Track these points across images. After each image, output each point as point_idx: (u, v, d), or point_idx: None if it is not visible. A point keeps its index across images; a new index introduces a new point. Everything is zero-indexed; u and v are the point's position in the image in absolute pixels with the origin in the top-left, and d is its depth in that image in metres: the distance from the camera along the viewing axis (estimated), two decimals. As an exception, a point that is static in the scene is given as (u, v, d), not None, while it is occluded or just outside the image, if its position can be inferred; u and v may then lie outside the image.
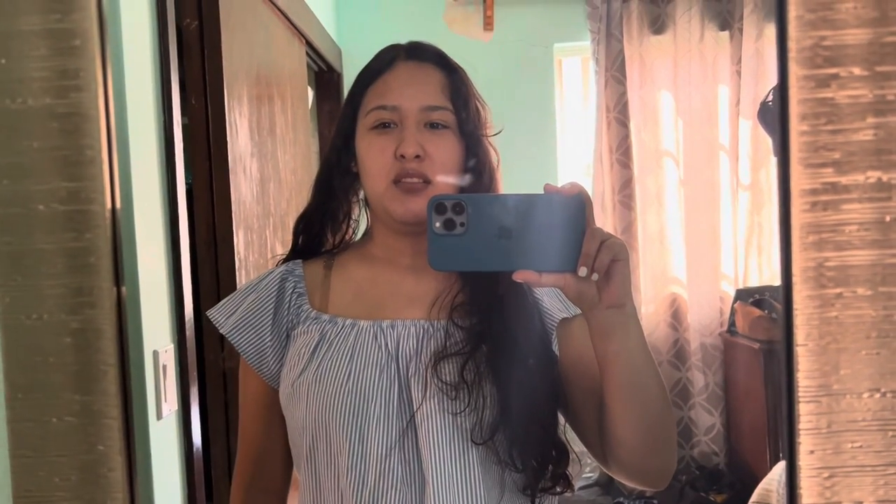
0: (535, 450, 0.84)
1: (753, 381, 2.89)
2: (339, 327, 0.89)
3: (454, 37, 3.07)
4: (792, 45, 0.38)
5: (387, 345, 0.87)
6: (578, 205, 0.71)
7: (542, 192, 0.71)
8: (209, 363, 1.62)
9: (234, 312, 0.95)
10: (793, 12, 0.38)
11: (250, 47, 1.94)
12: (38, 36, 0.39)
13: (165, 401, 1.27)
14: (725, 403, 3.20)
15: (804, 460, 0.39)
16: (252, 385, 0.96)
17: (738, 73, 3.15)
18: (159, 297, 1.31)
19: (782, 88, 0.38)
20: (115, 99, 1.20)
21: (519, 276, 0.71)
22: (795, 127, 0.38)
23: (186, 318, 1.34)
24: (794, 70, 0.38)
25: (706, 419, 3.20)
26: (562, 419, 0.90)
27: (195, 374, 1.39)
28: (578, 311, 0.87)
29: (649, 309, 3.24)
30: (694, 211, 3.23)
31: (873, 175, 0.39)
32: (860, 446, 0.39)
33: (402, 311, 0.90)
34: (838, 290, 0.39)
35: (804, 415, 0.39)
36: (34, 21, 0.40)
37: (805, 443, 0.39)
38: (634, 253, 3.17)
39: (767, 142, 3.08)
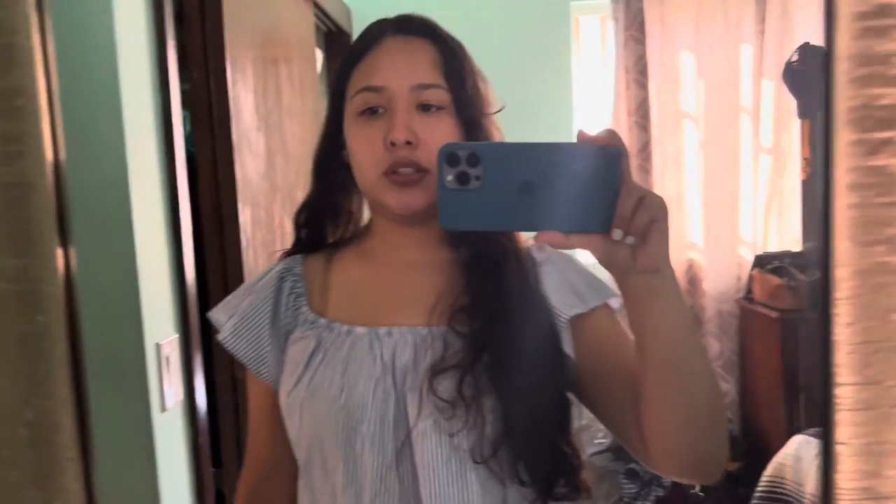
0: (544, 461, 0.80)
1: (770, 349, 2.85)
2: (335, 334, 0.84)
3: (467, -5, 2.97)
4: (841, 106, 0.33)
5: (382, 356, 0.82)
6: (613, 156, 0.61)
7: (571, 141, 0.64)
8: (216, 346, 1.60)
9: (233, 314, 0.91)
10: (842, 67, 0.32)
11: (255, 10, 1.87)
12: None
13: (170, 392, 1.25)
14: (740, 371, 3.17)
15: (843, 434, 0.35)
16: (256, 390, 0.92)
17: (763, 32, 3.03)
18: (161, 285, 1.28)
19: (826, 155, 0.33)
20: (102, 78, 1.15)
21: (542, 238, 0.63)
22: (843, 199, 0.33)
23: (190, 307, 1.31)
24: (843, 136, 0.33)
25: (720, 386, 3.17)
26: (583, 421, 0.86)
27: (200, 360, 1.37)
28: (594, 303, 0.83)
29: (665, 275, 3.19)
30: (713, 174, 3.15)
31: (930, 254, 0.34)
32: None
33: (400, 316, 0.84)
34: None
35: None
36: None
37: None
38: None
39: (791, 103, 2.97)
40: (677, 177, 3.18)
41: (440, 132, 0.81)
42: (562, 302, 0.84)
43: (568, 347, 0.83)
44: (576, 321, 0.83)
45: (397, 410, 0.79)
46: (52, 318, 0.36)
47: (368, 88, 0.81)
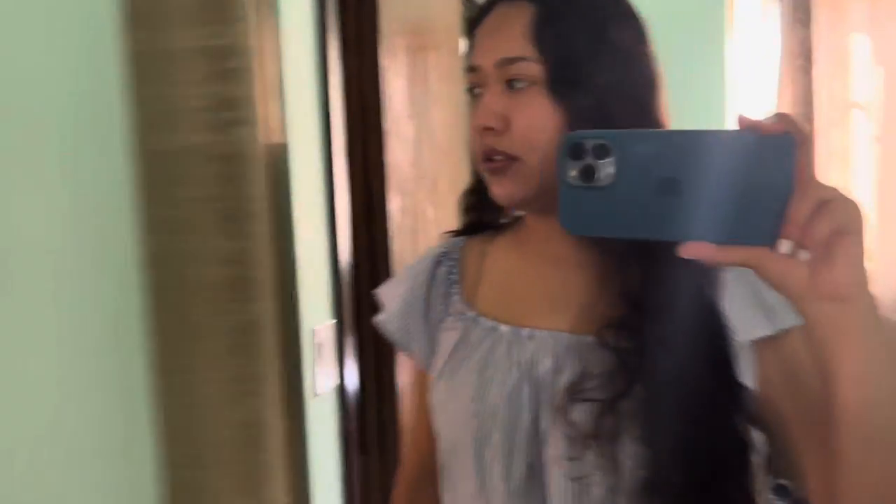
0: None
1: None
2: (480, 329, 0.78)
3: (617, -21, 2.84)
4: None
5: (520, 361, 0.73)
6: (785, 147, 0.49)
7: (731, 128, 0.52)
8: (366, 333, 1.59)
9: (393, 297, 0.88)
10: None
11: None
12: None
13: (322, 377, 1.25)
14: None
15: None
16: (416, 375, 0.90)
17: (955, 9, 2.72)
18: (318, 272, 1.28)
19: None
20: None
21: (688, 251, 0.50)
22: None
23: (343, 293, 1.31)
24: None
25: None
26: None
27: (353, 346, 1.37)
28: (788, 323, 0.67)
29: (827, 279, 2.94)
30: (889, 171, 2.86)
31: None
32: None
33: (545, 317, 0.75)
34: None
35: None
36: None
37: None
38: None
39: None
40: (844, 173, 2.92)
41: (527, 113, 0.70)
42: (745, 320, 0.69)
43: (747, 377, 0.69)
44: (761, 345, 0.69)
45: (530, 425, 0.71)
46: (264, 308, 0.32)
47: (468, 68, 0.75)
